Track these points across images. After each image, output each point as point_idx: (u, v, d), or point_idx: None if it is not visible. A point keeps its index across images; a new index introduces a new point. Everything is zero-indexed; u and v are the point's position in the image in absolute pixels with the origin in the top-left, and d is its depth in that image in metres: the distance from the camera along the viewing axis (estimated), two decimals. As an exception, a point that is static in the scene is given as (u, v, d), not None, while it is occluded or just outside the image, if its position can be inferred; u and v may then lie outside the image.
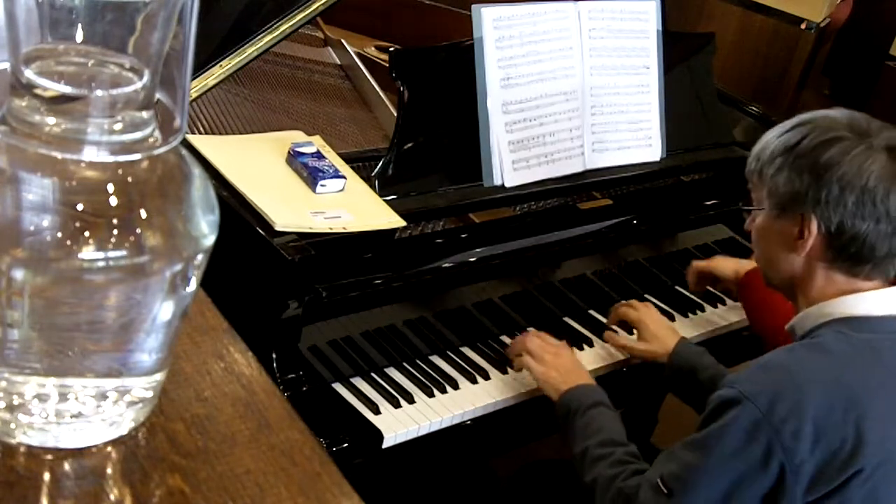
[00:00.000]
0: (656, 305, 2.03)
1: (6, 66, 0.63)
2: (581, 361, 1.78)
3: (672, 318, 1.99)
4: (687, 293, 2.09)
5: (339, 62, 2.17)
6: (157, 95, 0.66)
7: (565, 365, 1.67)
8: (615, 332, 1.88)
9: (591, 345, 1.87)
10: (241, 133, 1.81)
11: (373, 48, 2.27)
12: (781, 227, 1.45)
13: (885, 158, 1.37)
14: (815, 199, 1.39)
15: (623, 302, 1.89)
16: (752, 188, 1.51)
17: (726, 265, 1.96)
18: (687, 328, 1.98)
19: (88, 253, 0.62)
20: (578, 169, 1.93)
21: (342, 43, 2.16)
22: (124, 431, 0.73)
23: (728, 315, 2.05)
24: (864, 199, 1.36)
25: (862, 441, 1.28)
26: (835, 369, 1.32)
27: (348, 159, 1.72)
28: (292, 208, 1.56)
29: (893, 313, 1.39)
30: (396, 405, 1.61)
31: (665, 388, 1.89)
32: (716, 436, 1.31)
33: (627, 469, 1.46)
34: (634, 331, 1.85)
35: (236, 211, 1.53)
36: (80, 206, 0.63)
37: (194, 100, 1.76)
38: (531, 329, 1.79)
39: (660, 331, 1.79)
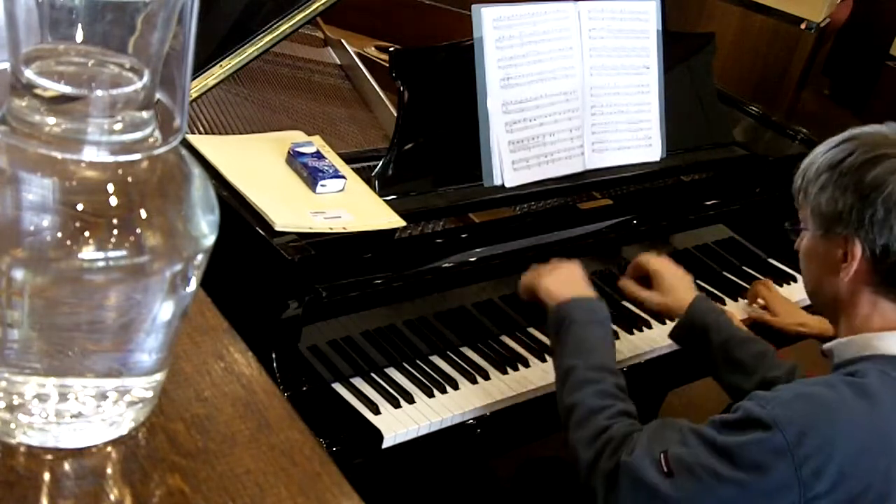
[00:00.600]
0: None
1: (6, 66, 0.63)
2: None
3: (672, 319, 1.99)
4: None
5: (339, 62, 2.17)
6: (157, 95, 0.66)
7: (567, 274, 1.61)
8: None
9: (591, 345, 1.87)
10: (241, 133, 1.81)
11: (373, 48, 2.27)
12: (826, 248, 1.40)
13: None
14: (859, 220, 1.34)
15: (641, 254, 1.85)
16: (799, 207, 1.46)
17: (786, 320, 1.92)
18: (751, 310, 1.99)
19: (88, 253, 0.62)
20: (578, 169, 1.93)
21: (342, 43, 2.16)
22: (124, 431, 0.73)
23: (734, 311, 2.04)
24: None
25: (889, 489, 1.25)
26: (872, 412, 1.27)
27: (348, 159, 1.72)
28: (292, 208, 1.56)
29: None
30: (396, 405, 1.61)
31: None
32: (736, 449, 1.26)
33: (615, 406, 1.40)
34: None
35: (236, 211, 1.53)
36: (80, 206, 0.63)
37: (194, 100, 1.76)
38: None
39: (677, 283, 1.75)
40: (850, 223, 1.35)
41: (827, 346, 1.44)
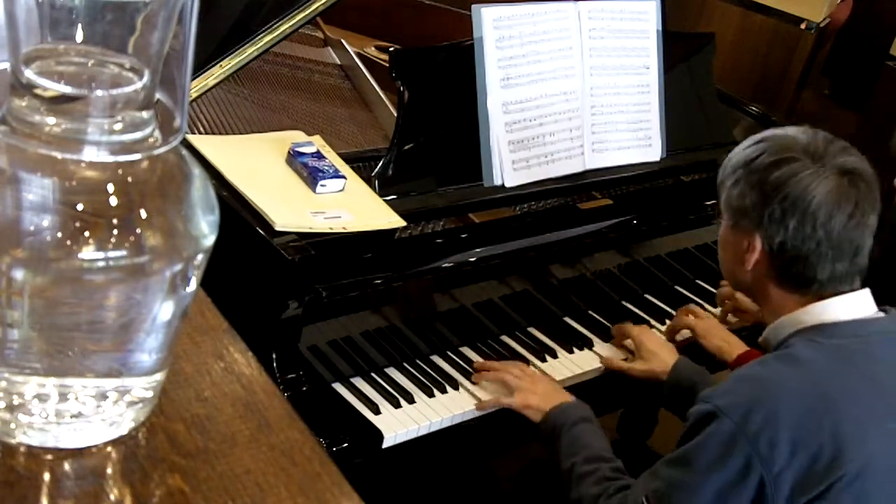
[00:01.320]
0: (656, 305, 2.04)
1: (6, 66, 0.63)
2: (581, 363, 1.79)
3: (672, 318, 1.99)
4: (687, 293, 2.09)
5: (339, 62, 2.17)
6: (157, 95, 0.66)
7: (544, 388, 1.67)
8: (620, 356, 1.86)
9: (591, 345, 1.87)
10: (241, 133, 1.81)
11: (373, 48, 2.27)
12: (734, 239, 1.48)
13: (833, 182, 1.38)
14: (760, 216, 1.41)
15: (620, 326, 1.88)
16: (718, 197, 1.53)
17: (712, 340, 1.88)
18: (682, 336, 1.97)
19: (88, 253, 0.62)
20: (578, 169, 1.93)
21: (342, 43, 2.16)
22: (124, 431, 0.73)
23: (729, 317, 2.04)
24: (805, 222, 1.38)
25: (842, 445, 1.28)
26: (807, 377, 1.33)
27: (348, 159, 1.72)
28: (292, 208, 1.56)
29: (860, 317, 1.41)
30: (396, 405, 1.61)
31: (660, 405, 1.88)
32: (695, 451, 1.33)
33: (612, 485, 1.46)
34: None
35: (236, 211, 1.53)
36: (80, 206, 0.63)
37: (194, 100, 1.76)
38: (504, 362, 1.75)
39: (658, 349, 1.78)
40: (753, 219, 1.43)
41: (761, 338, 1.51)
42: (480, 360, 1.76)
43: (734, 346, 1.86)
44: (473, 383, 1.71)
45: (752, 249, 1.44)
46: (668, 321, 1.99)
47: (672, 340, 1.91)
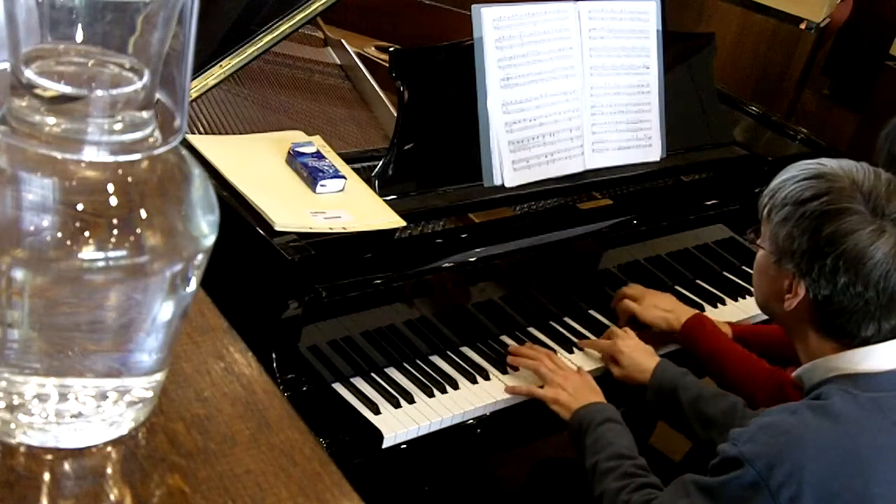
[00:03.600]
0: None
1: (6, 66, 0.63)
2: (581, 363, 1.79)
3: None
4: (687, 293, 2.09)
5: (339, 62, 2.17)
6: (157, 95, 0.66)
7: (574, 385, 1.67)
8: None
9: (591, 345, 1.87)
10: (241, 133, 1.81)
11: (373, 48, 2.27)
12: (775, 273, 1.43)
13: (894, 241, 1.32)
14: (809, 266, 1.36)
15: (596, 339, 1.86)
16: (761, 221, 1.47)
17: (652, 313, 1.85)
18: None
19: (88, 253, 0.62)
20: (578, 169, 1.93)
21: (342, 43, 2.16)
22: (124, 431, 0.73)
23: (727, 315, 2.05)
24: (858, 282, 1.33)
25: None
26: (840, 434, 1.28)
27: (348, 159, 1.72)
28: (292, 208, 1.56)
29: None
30: (396, 405, 1.61)
31: (649, 412, 1.88)
32: (720, 489, 1.31)
33: (634, 482, 1.45)
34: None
35: (236, 211, 1.53)
36: (80, 206, 0.63)
37: (194, 100, 1.76)
38: (538, 350, 1.76)
39: (636, 354, 1.76)
40: (800, 266, 1.38)
41: (795, 373, 1.46)
42: (480, 359, 1.76)
43: (681, 313, 1.84)
44: (473, 383, 1.71)
45: (795, 294, 1.39)
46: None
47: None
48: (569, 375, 1.69)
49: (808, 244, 1.36)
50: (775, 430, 1.31)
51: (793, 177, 1.41)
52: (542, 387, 1.69)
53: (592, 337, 1.89)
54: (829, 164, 1.40)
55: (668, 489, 1.40)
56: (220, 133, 1.80)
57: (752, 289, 2.07)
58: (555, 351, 1.83)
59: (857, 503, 1.26)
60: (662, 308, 1.86)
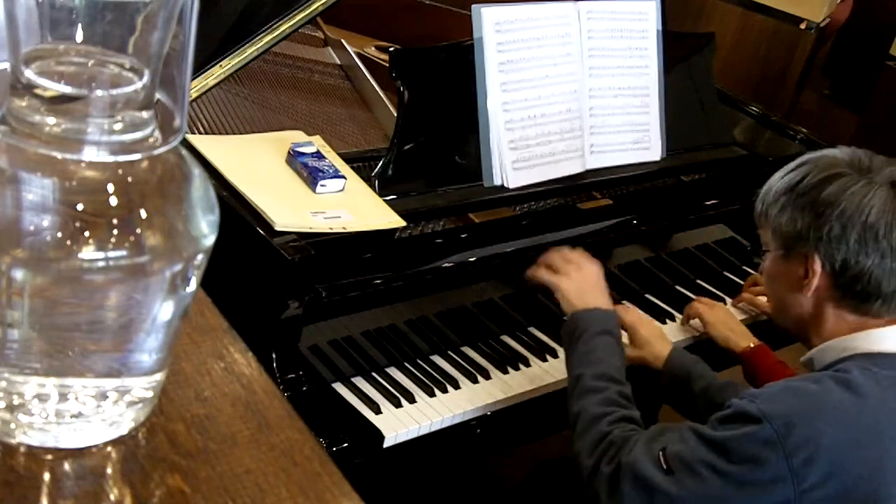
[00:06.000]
0: (656, 305, 2.03)
1: (6, 66, 0.63)
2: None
3: (672, 318, 1.99)
4: (687, 293, 2.09)
5: (339, 62, 2.17)
6: (157, 95, 0.66)
7: (586, 281, 1.65)
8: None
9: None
10: (241, 133, 1.81)
11: (373, 48, 2.27)
12: (788, 268, 1.44)
13: (887, 193, 1.36)
14: (817, 237, 1.38)
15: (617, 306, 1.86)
16: (761, 231, 1.50)
17: (720, 329, 1.88)
18: (688, 329, 1.97)
19: (88, 253, 0.62)
20: (578, 170, 1.93)
21: (342, 43, 2.16)
22: (124, 431, 0.73)
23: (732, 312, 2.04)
24: (867, 235, 1.35)
25: (881, 482, 1.26)
26: (860, 405, 1.29)
27: (348, 159, 1.72)
28: (292, 208, 1.56)
29: None
30: (397, 405, 1.61)
31: (659, 398, 1.88)
32: (731, 442, 1.29)
33: (617, 412, 1.43)
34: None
35: (236, 211, 1.53)
36: (80, 206, 0.63)
37: (194, 100, 1.76)
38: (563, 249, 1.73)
39: (651, 337, 1.76)
40: (809, 240, 1.40)
41: (805, 357, 1.47)
42: (481, 359, 1.76)
43: (741, 337, 1.86)
44: (474, 383, 1.71)
45: (812, 273, 1.40)
46: (668, 321, 1.99)
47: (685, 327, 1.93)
48: (582, 266, 1.67)
49: (811, 216, 1.39)
50: (799, 393, 1.32)
51: (777, 177, 1.48)
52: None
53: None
54: (805, 155, 1.47)
55: (651, 431, 1.38)
56: (220, 133, 1.80)
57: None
58: (556, 351, 1.83)
59: (869, 476, 1.26)
60: (728, 327, 1.89)
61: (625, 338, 1.80)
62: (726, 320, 1.90)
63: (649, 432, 1.39)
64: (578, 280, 1.65)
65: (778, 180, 1.46)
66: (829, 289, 1.41)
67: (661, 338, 1.78)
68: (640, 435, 1.38)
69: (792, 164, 1.46)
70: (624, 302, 1.98)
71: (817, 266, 1.40)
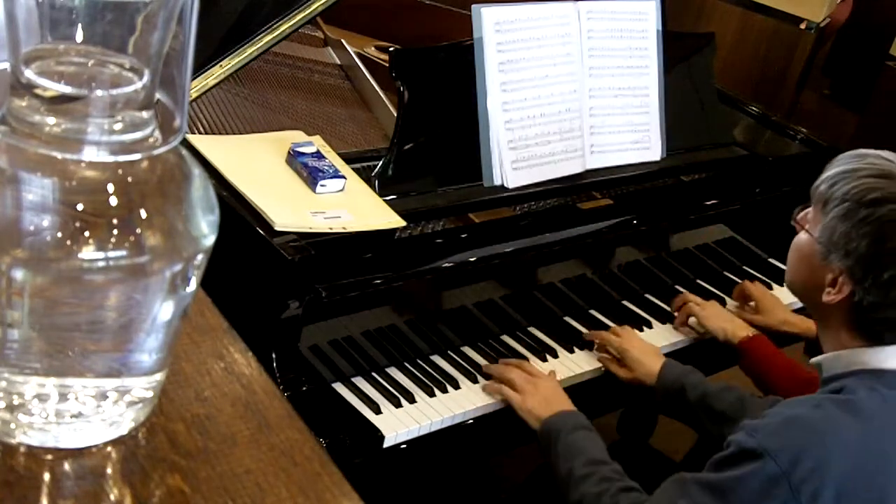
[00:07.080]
0: (656, 305, 2.03)
1: (6, 66, 0.63)
2: (581, 362, 1.79)
3: (672, 319, 1.99)
4: (687, 293, 2.09)
5: (339, 62, 2.17)
6: (157, 95, 0.66)
7: (545, 393, 1.65)
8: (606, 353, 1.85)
9: (591, 345, 1.87)
10: (241, 133, 1.81)
11: (373, 48, 2.27)
12: (819, 262, 1.38)
13: None
14: (863, 273, 1.32)
15: (603, 332, 1.86)
16: (813, 205, 1.41)
17: (716, 322, 1.89)
18: (685, 330, 1.97)
19: (88, 253, 0.62)
20: (578, 170, 1.93)
21: (342, 43, 2.16)
22: (124, 431, 0.73)
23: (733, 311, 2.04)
24: None
25: None
26: (865, 431, 1.27)
27: (348, 159, 1.72)
28: (292, 208, 1.56)
29: None
30: (397, 405, 1.61)
31: (657, 411, 1.88)
32: (733, 484, 1.27)
33: (615, 485, 1.43)
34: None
35: (236, 211, 1.53)
36: (80, 206, 0.63)
37: (194, 100, 1.76)
38: (510, 360, 1.75)
39: (642, 356, 1.77)
40: (853, 268, 1.33)
41: (815, 360, 1.44)
42: (481, 359, 1.76)
43: (738, 327, 1.87)
44: (474, 383, 1.71)
45: (839, 291, 1.35)
46: (668, 322, 1.99)
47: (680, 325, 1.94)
48: (538, 383, 1.67)
49: (868, 250, 1.31)
50: (800, 424, 1.28)
51: (855, 170, 1.35)
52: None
53: (592, 337, 1.89)
54: (890, 154, 1.36)
55: (661, 490, 1.37)
56: (220, 133, 1.80)
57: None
58: (555, 351, 1.83)
59: (876, 501, 1.25)
60: (723, 319, 1.89)
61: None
62: (721, 314, 1.92)
63: (655, 494, 1.37)
64: (540, 393, 1.65)
65: (854, 180, 1.33)
66: (848, 312, 1.37)
67: (652, 354, 1.78)
68: (648, 500, 1.38)
69: (876, 168, 1.33)
70: (623, 302, 1.98)
71: (846, 289, 1.35)
